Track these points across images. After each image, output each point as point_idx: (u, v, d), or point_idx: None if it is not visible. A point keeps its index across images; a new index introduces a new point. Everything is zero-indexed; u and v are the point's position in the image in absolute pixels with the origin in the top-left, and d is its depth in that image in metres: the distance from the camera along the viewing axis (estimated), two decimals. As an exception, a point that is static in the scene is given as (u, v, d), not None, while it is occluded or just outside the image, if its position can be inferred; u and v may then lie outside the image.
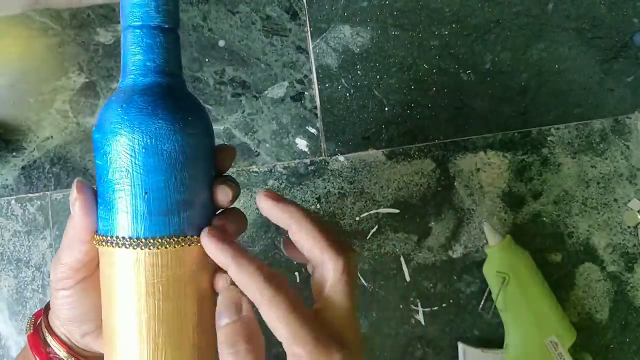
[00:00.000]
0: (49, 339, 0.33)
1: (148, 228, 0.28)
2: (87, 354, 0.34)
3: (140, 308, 0.28)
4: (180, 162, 0.28)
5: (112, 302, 0.28)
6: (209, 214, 0.30)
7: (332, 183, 0.54)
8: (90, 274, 0.31)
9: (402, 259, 0.54)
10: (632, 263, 0.54)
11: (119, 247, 0.28)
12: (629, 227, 0.54)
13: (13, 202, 0.54)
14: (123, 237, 0.28)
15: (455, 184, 0.54)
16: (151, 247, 0.27)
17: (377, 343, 0.53)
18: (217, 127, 0.54)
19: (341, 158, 0.54)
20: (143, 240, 0.28)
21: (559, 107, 0.55)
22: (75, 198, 0.29)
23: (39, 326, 0.34)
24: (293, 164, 0.54)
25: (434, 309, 0.53)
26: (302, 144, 0.55)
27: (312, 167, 0.54)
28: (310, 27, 0.55)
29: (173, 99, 0.29)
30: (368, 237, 0.54)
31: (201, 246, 0.29)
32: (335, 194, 0.54)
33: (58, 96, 0.55)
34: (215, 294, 0.30)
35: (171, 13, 0.29)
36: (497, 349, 0.51)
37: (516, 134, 0.55)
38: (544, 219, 0.54)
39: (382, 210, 0.54)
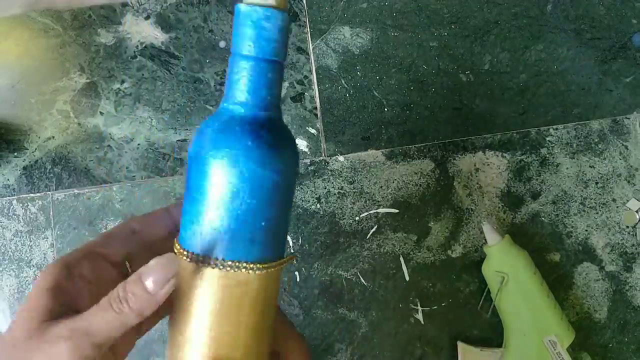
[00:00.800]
0: None
1: (252, 253, 0.29)
2: None
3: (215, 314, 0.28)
4: (283, 194, 0.29)
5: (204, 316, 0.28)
6: (284, 242, 0.32)
7: (332, 183, 0.54)
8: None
9: (401, 258, 0.54)
10: (631, 263, 0.54)
11: (222, 269, 0.28)
12: (627, 227, 0.55)
13: (14, 202, 0.54)
14: (225, 259, 0.28)
15: (454, 184, 0.55)
16: (255, 270, 0.28)
17: (376, 342, 0.53)
18: (217, 128, 0.54)
19: (341, 158, 0.55)
20: (245, 263, 0.28)
21: (557, 108, 0.55)
22: (169, 278, 0.25)
23: None
24: (293, 164, 0.55)
25: (433, 308, 0.54)
26: (302, 144, 0.55)
27: (312, 167, 0.55)
28: (310, 28, 0.55)
29: (274, 134, 0.29)
30: (368, 237, 0.54)
31: (275, 270, 0.30)
32: (335, 194, 0.54)
33: (59, 96, 0.55)
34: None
35: (282, 45, 0.29)
36: (496, 348, 0.51)
37: (515, 134, 0.55)
38: (543, 218, 0.55)
39: (382, 210, 0.54)
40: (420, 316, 0.54)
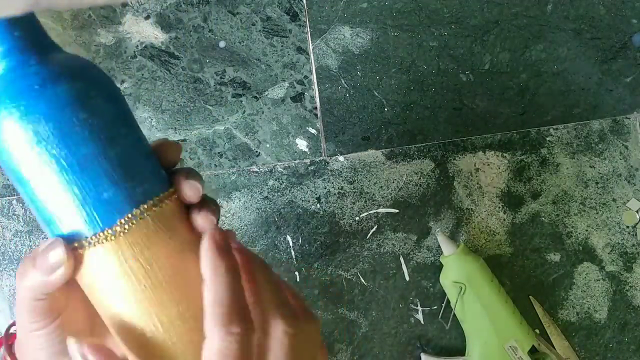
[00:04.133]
0: None
1: (105, 214, 0.24)
2: None
3: (138, 290, 0.25)
4: (99, 133, 0.24)
5: (109, 302, 0.26)
6: (153, 173, 0.27)
7: (332, 183, 0.54)
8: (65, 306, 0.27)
9: (401, 258, 0.54)
10: (631, 263, 0.54)
11: (92, 247, 0.25)
12: (627, 226, 0.55)
13: (14, 202, 0.54)
14: (88, 237, 0.25)
15: (454, 184, 0.55)
16: (120, 232, 0.24)
17: (376, 342, 0.53)
18: (217, 128, 0.55)
19: (341, 158, 0.55)
20: (108, 230, 0.24)
21: (557, 108, 0.55)
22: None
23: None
24: (293, 164, 0.55)
25: (433, 308, 0.54)
26: (302, 144, 0.55)
27: (312, 167, 0.55)
28: (310, 28, 0.55)
29: (53, 67, 0.24)
30: (368, 237, 0.54)
31: (165, 205, 0.26)
32: (335, 194, 0.54)
33: (59, 97, 0.55)
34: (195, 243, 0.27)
35: None
36: (460, 356, 0.51)
37: (515, 134, 0.55)
38: (543, 218, 0.55)
39: (382, 210, 0.54)
40: (420, 316, 0.54)
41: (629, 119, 0.55)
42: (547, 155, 0.55)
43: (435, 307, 0.54)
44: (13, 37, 0.24)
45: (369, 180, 0.54)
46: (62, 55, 0.26)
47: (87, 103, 0.24)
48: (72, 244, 0.25)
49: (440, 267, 0.53)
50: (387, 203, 0.54)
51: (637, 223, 0.55)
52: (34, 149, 0.23)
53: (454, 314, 0.51)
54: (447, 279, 0.51)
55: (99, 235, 0.24)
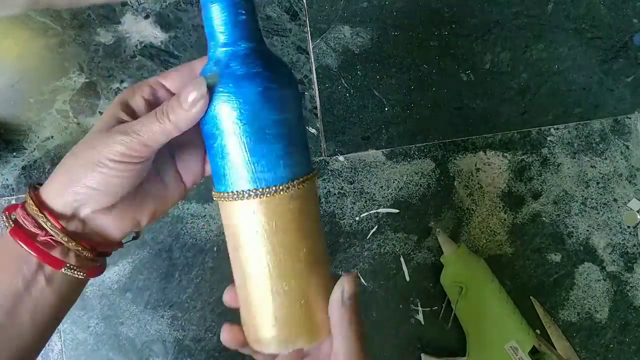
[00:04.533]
0: (42, 220, 0.31)
1: (264, 179, 0.30)
2: (82, 231, 0.32)
3: (266, 248, 0.30)
4: (287, 113, 0.30)
5: (240, 247, 0.31)
6: (308, 155, 0.33)
7: (332, 183, 0.54)
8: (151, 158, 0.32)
9: (402, 258, 0.54)
10: (632, 263, 0.54)
11: (240, 199, 0.30)
12: (628, 227, 0.55)
13: (14, 202, 0.54)
14: (243, 191, 0.30)
15: (455, 183, 0.54)
16: (268, 195, 0.30)
17: (377, 342, 0.53)
18: (217, 127, 0.54)
19: (341, 158, 0.55)
20: (260, 189, 0.30)
21: (558, 107, 0.55)
22: (200, 97, 0.29)
23: (19, 217, 0.31)
24: (293, 164, 0.54)
25: (433, 308, 0.53)
26: (302, 144, 0.55)
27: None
28: (310, 28, 0.55)
29: (263, 60, 0.31)
30: (368, 237, 0.54)
31: (305, 186, 0.31)
32: (335, 194, 0.54)
33: (58, 96, 0.55)
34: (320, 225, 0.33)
35: None
36: (461, 357, 0.51)
37: (516, 134, 0.55)
38: (544, 218, 0.54)
39: (382, 210, 0.54)
40: (420, 316, 0.53)
41: (629, 118, 0.55)
42: (548, 155, 0.55)
43: (436, 307, 0.53)
44: (245, 26, 0.31)
45: (369, 180, 0.54)
46: (274, 59, 0.32)
47: (284, 106, 0.30)
48: (235, 192, 0.30)
49: (441, 267, 0.53)
50: (388, 203, 0.54)
51: (638, 223, 0.54)
52: (239, 115, 0.30)
53: (455, 314, 0.51)
54: (448, 279, 0.51)
55: (258, 191, 0.30)
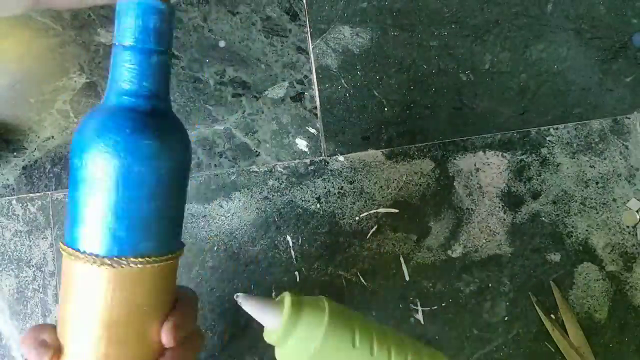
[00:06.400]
0: None
1: (116, 247, 0.28)
2: None
3: (93, 310, 0.28)
4: (156, 186, 0.28)
5: (70, 301, 0.29)
6: (172, 236, 0.30)
7: (332, 183, 0.54)
8: None
9: (401, 258, 0.54)
10: (631, 262, 0.54)
11: (86, 262, 0.28)
12: (627, 226, 0.55)
13: (14, 202, 0.54)
14: (91, 254, 0.28)
15: (454, 183, 0.55)
16: (115, 266, 0.28)
17: (376, 342, 0.53)
18: (217, 127, 0.54)
19: (341, 158, 0.55)
20: (109, 258, 0.27)
21: (558, 107, 0.55)
22: None
23: None
24: (293, 164, 0.54)
25: (433, 308, 0.54)
26: (302, 144, 0.55)
27: (312, 167, 0.54)
28: (310, 28, 0.55)
29: (157, 124, 0.28)
30: (368, 237, 0.54)
31: (162, 265, 0.29)
32: (335, 194, 0.54)
33: (59, 96, 0.55)
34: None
35: (164, 35, 0.29)
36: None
37: (515, 134, 0.55)
38: (543, 218, 0.54)
39: (382, 210, 0.54)
40: (420, 316, 0.53)
41: (629, 118, 0.55)
42: (547, 155, 0.55)
43: (436, 307, 0.54)
44: (142, 87, 0.29)
45: (369, 180, 0.54)
46: (163, 121, 0.29)
47: (156, 163, 0.28)
48: (74, 249, 0.28)
49: (441, 267, 0.53)
50: (387, 203, 0.54)
51: (637, 223, 0.54)
52: (104, 169, 0.27)
53: None
54: None
55: (104, 259, 0.28)
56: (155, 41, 0.29)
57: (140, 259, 0.28)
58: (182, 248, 0.31)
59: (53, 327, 0.30)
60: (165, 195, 0.29)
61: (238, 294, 0.30)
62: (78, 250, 0.28)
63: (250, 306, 0.29)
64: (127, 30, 0.29)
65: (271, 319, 0.28)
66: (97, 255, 0.28)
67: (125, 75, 0.29)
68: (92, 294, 0.28)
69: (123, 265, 0.28)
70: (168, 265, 0.29)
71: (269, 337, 0.30)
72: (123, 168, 0.27)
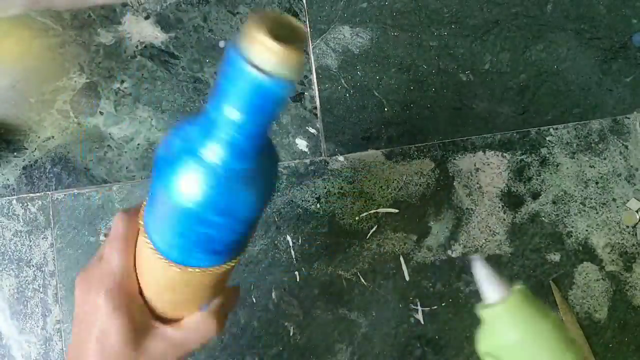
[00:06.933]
0: None
1: (193, 260, 0.30)
2: None
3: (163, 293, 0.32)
4: (248, 222, 0.29)
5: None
6: (231, 251, 0.32)
7: (332, 183, 0.54)
8: None
9: (401, 258, 0.54)
10: (631, 262, 0.54)
11: (169, 265, 0.30)
12: (627, 226, 0.55)
13: (14, 201, 0.54)
14: (173, 261, 0.30)
15: (454, 183, 0.55)
16: (182, 269, 0.30)
17: (376, 342, 0.53)
18: (217, 127, 0.54)
19: (341, 158, 0.55)
20: (184, 267, 0.30)
21: (557, 107, 0.55)
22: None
23: None
24: (293, 164, 0.55)
25: (433, 308, 0.54)
26: (302, 144, 0.55)
27: (312, 167, 0.55)
28: (310, 28, 0.55)
29: (263, 174, 0.28)
30: (368, 237, 0.54)
31: (224, 269, 0.31)
32: (335, 194, 0.54)
33: (59, 96, 0.55)
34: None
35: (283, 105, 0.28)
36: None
37: (515, 134, 0.55)
38: (543, 218, 0.54)
39: (382, 210, 0.54)
40: (420, 316, 0.54)
41: (629, 118, 0.55)
42: (547, 155, 0.55)
43: (436, 307, 0.54)
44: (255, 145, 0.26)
45: (369, 180, 0.54)
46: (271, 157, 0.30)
47: (257, 210, 0.29)
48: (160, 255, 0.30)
49: (441, 267, 0.53)
50: (387, 203, 0.54)
51: (636, 223, 0.55)
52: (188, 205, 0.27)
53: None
54: (484, 347, 0.31)
55: (172, 264, 0.30)
56: (268, 119, 0.26)
57: (209, 269, 0.30)
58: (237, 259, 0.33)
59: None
60: (247, 229, 0.30)
61: (474, 256, 0.30)
62: (154, 249, 0.30)
63: (483, 271, 0.28)
64: (241, 102, 0.24)
65: (495, 292, 0.27)
66: (167, 259, 0.30)
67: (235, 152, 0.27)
68: (160, 277, 0.31)
69: (189, 271, 0.30)
70: (231, 267, 0.32)
71: (483, 309, 0.30)
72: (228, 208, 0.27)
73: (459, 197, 0.54)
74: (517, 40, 0.55)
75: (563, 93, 0.55)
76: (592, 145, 0.55)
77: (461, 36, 0.55)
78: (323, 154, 0.55)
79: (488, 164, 0.55)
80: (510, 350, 0.26)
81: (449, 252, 0.54)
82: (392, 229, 0.54)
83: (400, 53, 0.55)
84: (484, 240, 0.54)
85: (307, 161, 0.55)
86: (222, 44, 0.55)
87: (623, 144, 0.55)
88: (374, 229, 0.54)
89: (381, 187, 0.54)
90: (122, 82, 0.55)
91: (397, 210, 0.54)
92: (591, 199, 0.55)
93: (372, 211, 0.54)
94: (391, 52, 0.55)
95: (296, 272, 0.54)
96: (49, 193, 0.54)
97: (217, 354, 0.53)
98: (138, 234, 0.32)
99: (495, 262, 0.54)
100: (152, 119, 0.55)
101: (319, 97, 0.55)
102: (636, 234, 0.55)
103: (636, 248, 0.54)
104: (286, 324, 0.53)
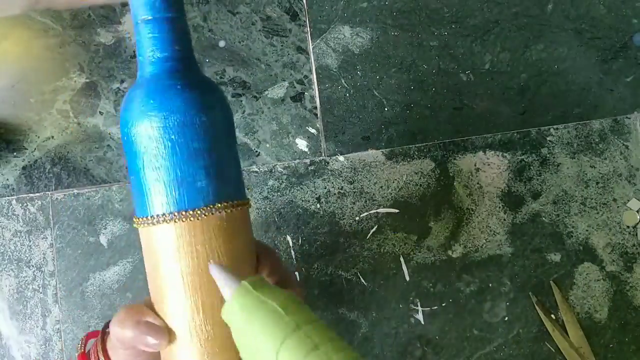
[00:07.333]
0: None
1: (181, 202, 0.30)
2: None
3: (183, 270, 0.30)
4: (210, 136, 0.30)
5: (159, 271, 0.30)
6: (237, 183, 0.32)
7: (332, 183, 0.54)
8: None
9: (401, 258, 0.54)
10: (631, 263, 0.54)
11: (158, 224, 0.29)
12: (628, 226, 0.55)
13: (14, 202, 0.54)
14: (161, 215, 0.29)
15: (454, 184, 0.54)
16: (185, 220, 0.29)
17: (376, 342, 0.53)
18: (217, 127, 0.54)
19: (341, 158, 0.55)
20: (177, 213, 0.29)
21: (558, 107, 0.55)
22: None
23: (91, 351, 0.35)
24: (293, 164, 0.54)
25: (433, 308, 0.54)
26: (302, 144, 0.55)
27: (312, 167, 0.54)
28: (310, 28, 0.55)
29: (201, 79, 0.31)
30: (368, 237, 0.54)
31: (240, 211, 0.31)
32: (335, 194, 0.54)
33: (59, 96, 0.55)
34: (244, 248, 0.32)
35: (177, 2, 0.32)
36: None
37: (515, 134, 0.55)
38: (543, 218, 0.54)
39: (382, 210, 0.54)
40: (420, 316, 0.53)
41: (629, 118, 0.55)
42: (548, 155, 0.55)
43: (436, 307, 0.54)
44: (173, 49, 0.31)
45: (369, 180, 0.54)
46: (200, 76, 0.32)
47: (210, 112, 0.30)
48: (158, 215, 0.30)
49: (441, 267, 0.53)
50: (387, 203, 0.54)
51: (637, 223, 0.54)
52: (159, 131, 0.29)
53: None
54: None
55: (182, 214, 0.29)
56: (172, 8, 0.31)
57: (224, 204, 0.30)
58: (249, 200, 0.33)
59: (145, 306, 0.32)
60: (229, 142, 0.31)
61: (210, 264, 0.30)
62: (158, 215, 0.29)
63: (216, 275, 0.30)
64: (144, 5, 0.31)
65: (227, 292, 0.29)
66: (179, 211, 0.29)
67: (156, 44, 0.31)
68: (177, 253, 0.30)
69: (206, 214, 0.29)
70: (244, 211, 0.32)
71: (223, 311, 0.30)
72: (187, 122, 0.29)
73: (459, 197, 0.54)
74: (517, 40, 0.55)
75: (563, 93, 0.55)
76: (593, 145, 0.55)
77: (461, 36, 0.55)
78: (323, 154, 0.55)
79: (488, 164, 0.55)
80: (239, 341, 0.28)
81: (449, 252, 0.54)
82: (392, 229, 0.54)
83: (401, 53, 0.55)
84: (484, 240, 0.54)
85: (307, 161, 0.55)
86: (222, 43, 0.55)
87: (623, 144, 0.55)
88: (374, 229, 0.54)
89: (381, 187, 0.54)
90: (122, 81, 0.55)
91: (397, 210, 0.54)
92: (592, 199, 0.55)
93: (372, 211, 0.54)
94: (391, 52, 0.55)
95: (296, 272, 0.54)
96: (49, 193, 0.54)
97: (217, 354, 0.53)
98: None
99: (495, 262, 0.54)
100: (152, 119, 0.55)
101: (319, 97, 0.55)
102: (637, 234, 0.55)
103: (637, 248, 0.54)
104: (286, 324, 0.53)
